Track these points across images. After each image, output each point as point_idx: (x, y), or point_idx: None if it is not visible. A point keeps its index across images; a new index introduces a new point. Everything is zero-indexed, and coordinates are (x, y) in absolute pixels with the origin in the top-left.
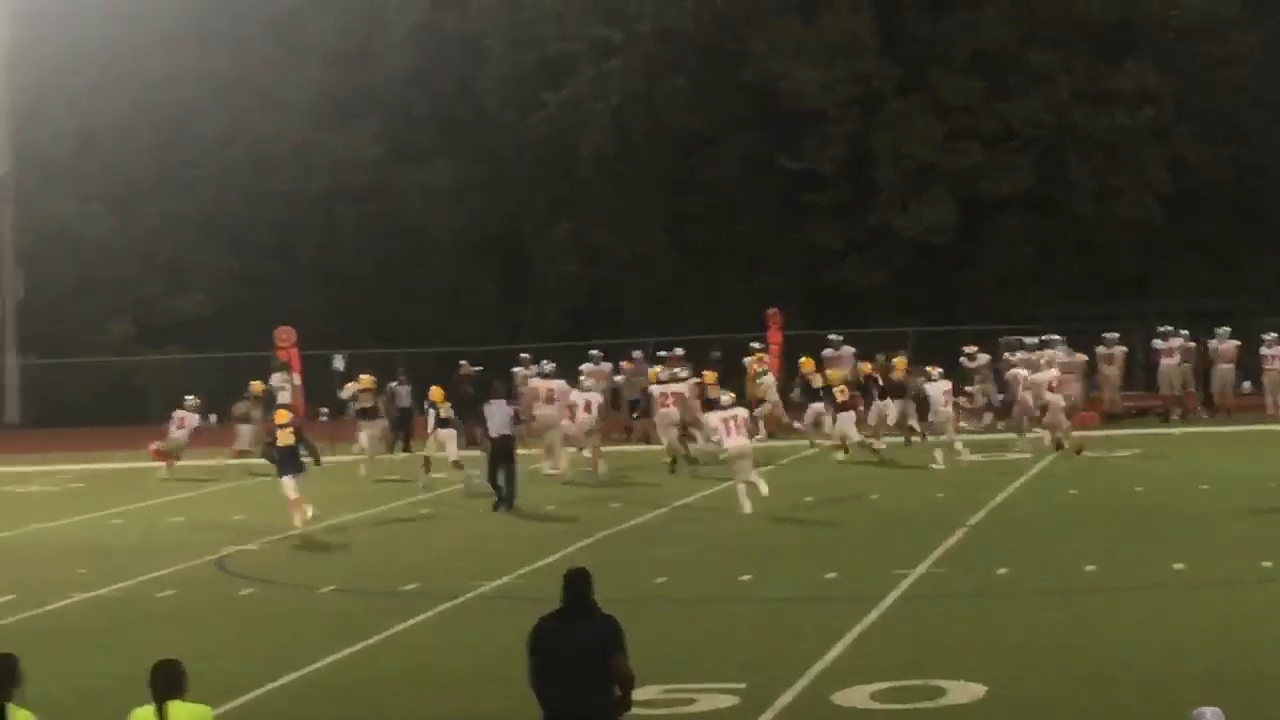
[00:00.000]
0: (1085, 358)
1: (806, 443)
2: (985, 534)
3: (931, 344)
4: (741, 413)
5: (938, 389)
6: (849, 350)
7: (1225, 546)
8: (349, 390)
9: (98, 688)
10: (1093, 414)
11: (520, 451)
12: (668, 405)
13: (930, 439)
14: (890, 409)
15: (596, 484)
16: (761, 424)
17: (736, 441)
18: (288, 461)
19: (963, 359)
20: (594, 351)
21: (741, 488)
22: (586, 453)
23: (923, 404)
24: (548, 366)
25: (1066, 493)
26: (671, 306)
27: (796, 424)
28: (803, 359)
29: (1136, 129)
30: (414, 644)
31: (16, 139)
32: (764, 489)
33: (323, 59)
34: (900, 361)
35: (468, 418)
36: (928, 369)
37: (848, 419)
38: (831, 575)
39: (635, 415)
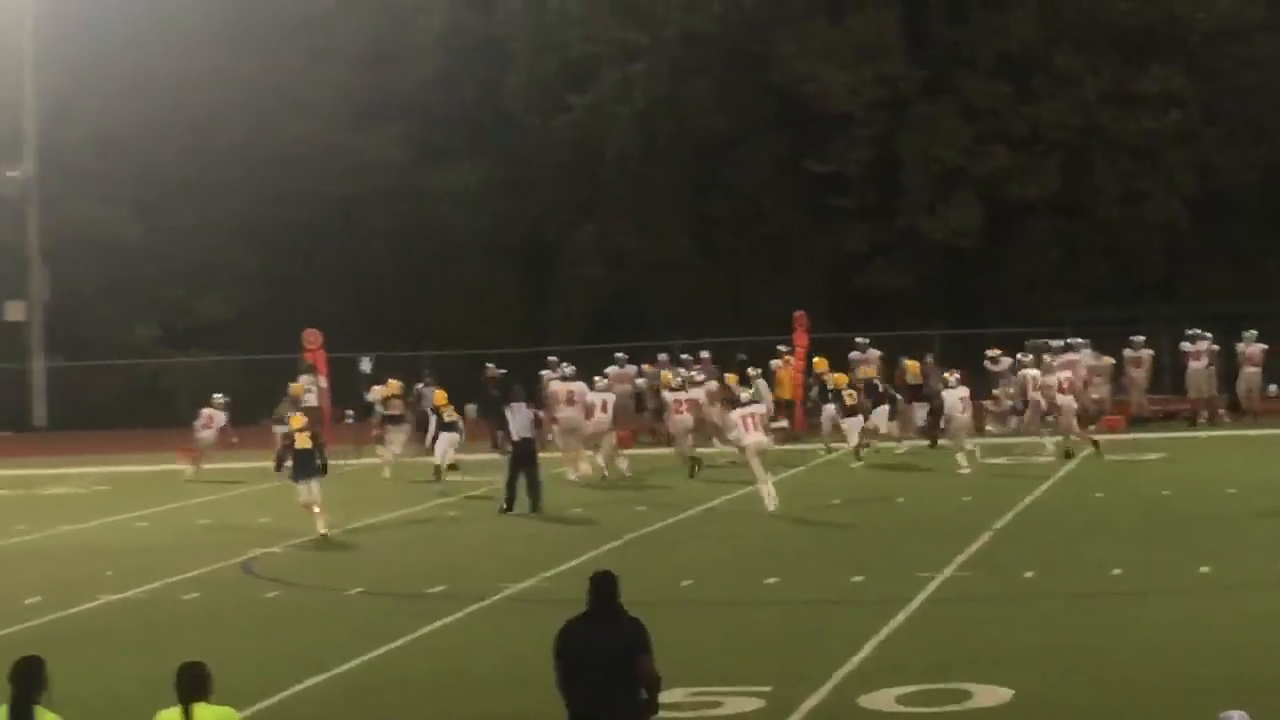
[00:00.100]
0: (1112, 361)
1: (825, 447)
2: (1011, 537)
3: (958, 347)
4: (760, 409)
5: (954, 395)
6: (875, 353)
7: (1252, 550)
8: (376, 394)
9: (124, 690)
10: (1119, 417)
11: (541, 455)
12: (682, 411)
13: (943, 444)
14: (915, 412)
15: (612, 486)
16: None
17: (755, 438)
18: (305, 466)
19: (987, 362)
20: (619, 354)
21: (764, 487)
22: (599, 459)
23: (938, 410)
24: (568, 369)
25: (1093, 496)
26: (696, 309)
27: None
28: (816, 359)
29: (1163, 132)
30: (440, 647)
31: (42, 141)
32: (770, 505)
33: (349, 62)
34: (912, 364)
35: (492, 420)
36: (945, 375)
37: (854, 423)
38: (858, 578)
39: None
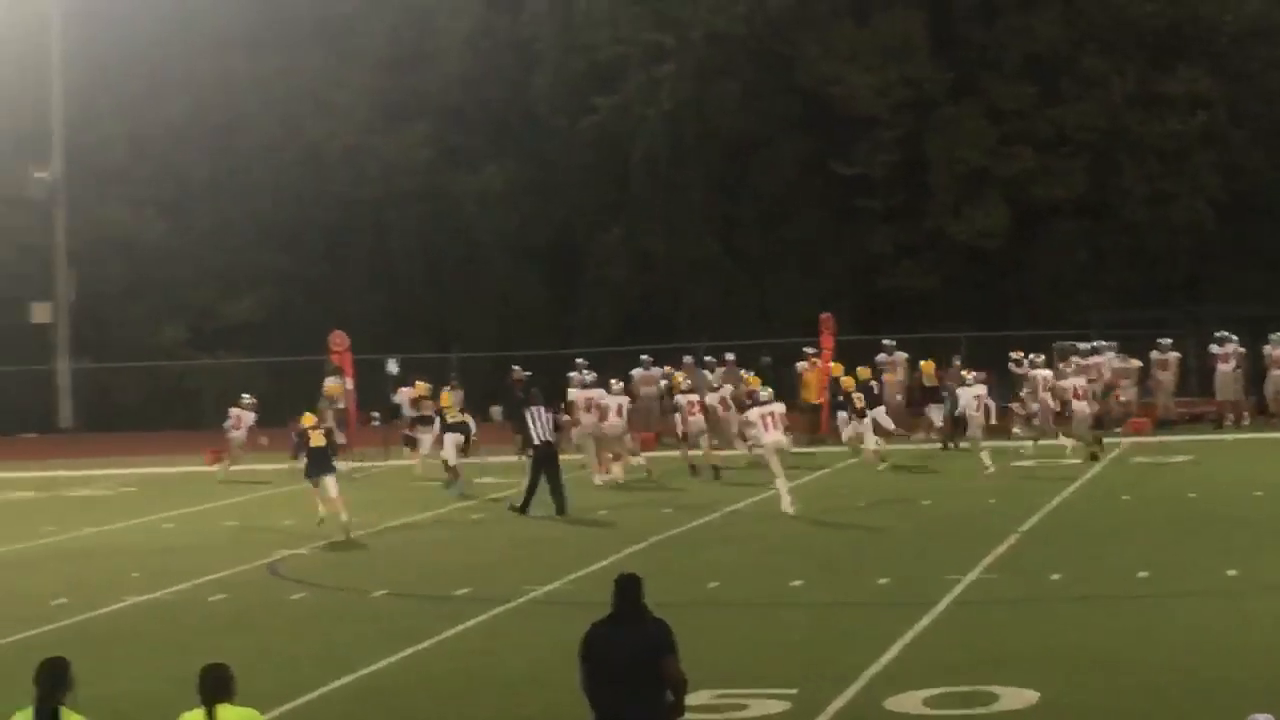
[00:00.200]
0: (1139, 363)
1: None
2: (1037, 540)
3: (984, 349)
4: (780, 409)
5: (969, 393)
6: (902, 355)
7: (1279, 552)
8: (403, 396)
9: (150, 691)
10: (1145, 420)
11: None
12: (694, 413)
13: (962, 446)
14: (934, 413)
15: (639, 488)
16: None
17: (773, 437)
18: (319, 463)
19: (1011, 365)
20: (644, 356)
21: (781, 483)
22: (619, 464)
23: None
24: (589, 376)
25: (1119, 499)
26: (723, 311)
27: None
28: (832, 364)
29: (1190, 134)
30: (465, 649)
31: (70, 143)
32: (787, 506)
33: (375, 63)
34: (927, 366)
35: (515, 424)
36: (963, 373)
37: (866, 425)
38: (883, 581)
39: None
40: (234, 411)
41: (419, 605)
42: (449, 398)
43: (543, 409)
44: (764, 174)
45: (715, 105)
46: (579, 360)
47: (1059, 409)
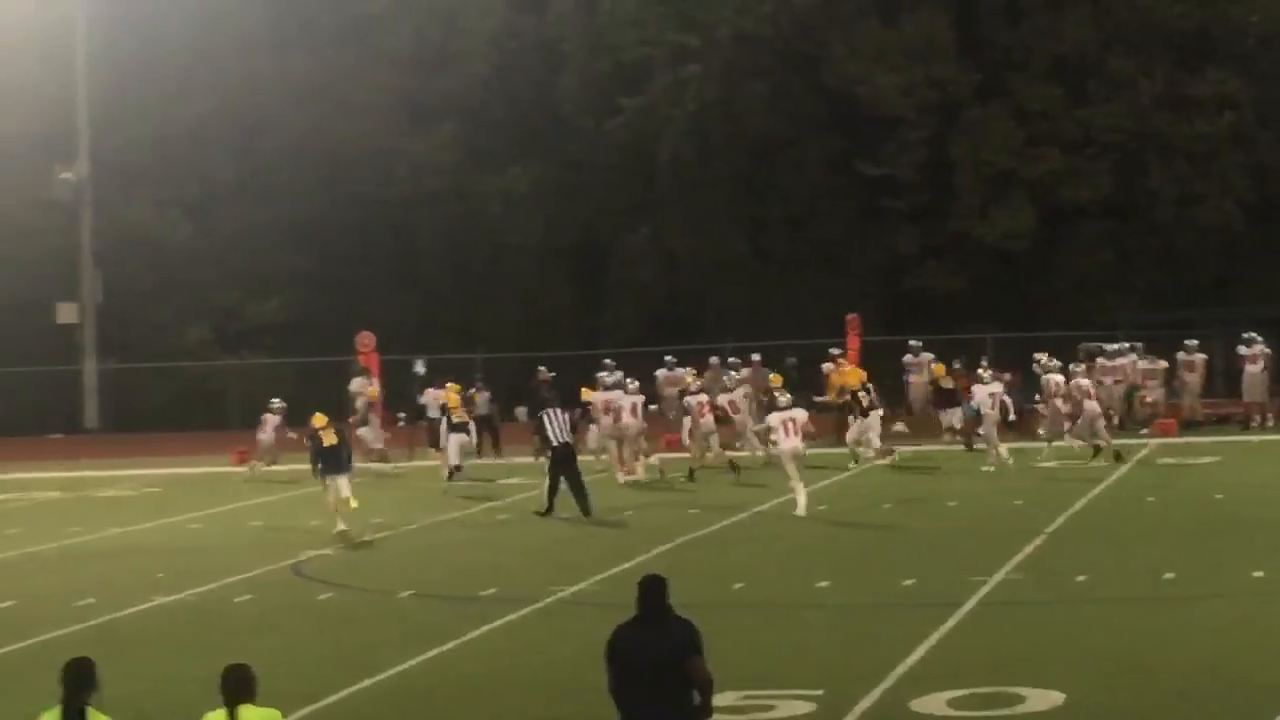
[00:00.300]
0: (1166, 364)
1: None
2: (1063, 541)
3: (1010, 350)
4: (800, 414)
5: (984, 391)
6: (928, 356)
7: None
8: (429, 397)
9: (175, 692)
10: (1171, 421)
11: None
12: (705, 415)
13: (978, 447)
14: (954, 416)
15: (664, 488)
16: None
17: (791, 444)
18: (333, 462)
19: (1035, 366)
20: (668, 357)
21: (796, 484)
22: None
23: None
24: (609, 379)
25: (1145, 500)
26: (749, 312)
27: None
28: (836, 371)
29: (1217, 135)
30: (491, 649)
31: (95, 144)
32: (801, 508)
33: (401, 64)
34: (939, 368)
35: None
36: (979, 371)
37: (870, 424)
38: (909, 582)
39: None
40: (265, 417)
41: (444, 606)
42: (454, 398)
43: (560, 410)
44: (790, 174)
45: (741, 106)
46: (607, 361)
47: (1070, 410)
